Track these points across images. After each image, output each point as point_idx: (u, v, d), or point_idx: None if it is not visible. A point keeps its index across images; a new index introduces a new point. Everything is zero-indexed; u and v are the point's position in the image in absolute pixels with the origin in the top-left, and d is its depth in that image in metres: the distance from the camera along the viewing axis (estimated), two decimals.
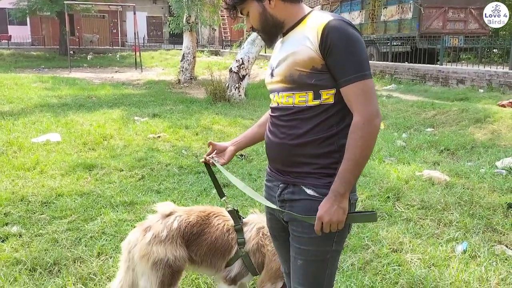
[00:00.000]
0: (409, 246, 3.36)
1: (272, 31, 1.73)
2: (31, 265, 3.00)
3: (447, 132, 6.91)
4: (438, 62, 13.55)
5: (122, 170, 5.18)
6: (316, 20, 1.62)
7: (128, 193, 4.45)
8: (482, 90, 10.57)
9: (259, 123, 2.03)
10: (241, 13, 1.74)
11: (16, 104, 9.49)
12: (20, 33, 29.73)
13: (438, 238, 3.51)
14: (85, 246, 3.33)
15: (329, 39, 1.55)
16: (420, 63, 13.61)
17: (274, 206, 1.78)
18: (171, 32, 16.89)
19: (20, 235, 3.49)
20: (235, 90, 10.67)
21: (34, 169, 5.09)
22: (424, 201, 4.13)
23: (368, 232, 3.53)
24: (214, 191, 4.53)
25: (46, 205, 4.13)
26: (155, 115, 8.58)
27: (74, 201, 4.20)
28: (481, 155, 5.67)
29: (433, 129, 7.35)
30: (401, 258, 3.19)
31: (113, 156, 5.73)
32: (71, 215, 3.90)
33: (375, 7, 16.41)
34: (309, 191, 1.68)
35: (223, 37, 31.33)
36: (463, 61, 13.52)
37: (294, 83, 1.64)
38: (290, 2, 1.69)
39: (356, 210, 1.75)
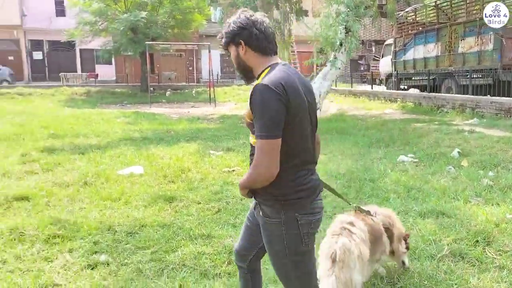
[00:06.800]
0: None
1: (244, 73, 2.15)
2: None
3: None
4: None
5: (200, 203, 5.33)
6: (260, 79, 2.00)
7: (206, 225, 4.55)
8: None
9: None
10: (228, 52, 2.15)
11: (103, 137, 10.20)
12: (106, 72, 32.43)
13: None
14: (167, 278, 3.43)
15: (252, 100, 1.91)
16: (504, 96, 12.80)
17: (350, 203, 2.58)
18: None
19: (108, 264, 3.68)
20: None
21: (119, 200, 5.39)
22: None
23: (457, 279, 3.30)
24: None
25: (131, 235, 4.33)
26: (229, 149, 8.78)
27: (156, 232, 4.37)
28: None
29: None
30: None
31: (190, 188, 5.92)
32: (153, 246, 4.05)
33: (451, 39, 15.79)
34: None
35: None
36: None
37: (251, 126, 2.02)
38: (258, 52, 2.06)
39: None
